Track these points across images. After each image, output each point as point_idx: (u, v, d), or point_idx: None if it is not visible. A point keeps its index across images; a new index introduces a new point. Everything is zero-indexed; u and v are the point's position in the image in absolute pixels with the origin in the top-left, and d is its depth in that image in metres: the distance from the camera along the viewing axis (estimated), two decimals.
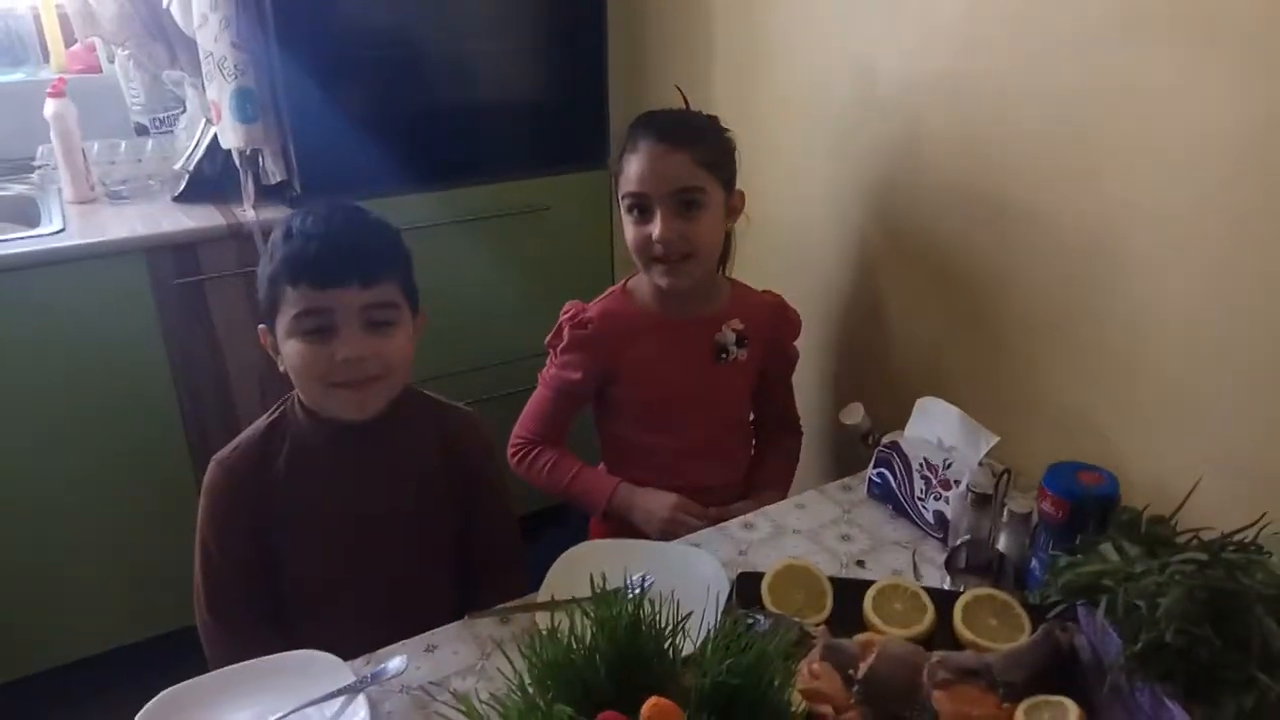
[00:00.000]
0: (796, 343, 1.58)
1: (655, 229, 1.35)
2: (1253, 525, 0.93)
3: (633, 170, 1.37)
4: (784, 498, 1.49)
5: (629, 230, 1.40)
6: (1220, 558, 0.88)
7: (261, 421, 1.22)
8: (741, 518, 1.30)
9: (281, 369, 1.19)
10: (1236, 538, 0.93)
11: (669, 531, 1.35)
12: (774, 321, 1.53)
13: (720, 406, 1.52)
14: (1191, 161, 1.12)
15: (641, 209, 1.38)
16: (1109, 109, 1.20)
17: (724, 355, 1.47)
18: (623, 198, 1.40)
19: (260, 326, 1.19)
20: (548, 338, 1.49)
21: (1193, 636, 0.82)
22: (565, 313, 1.47)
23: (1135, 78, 1.16)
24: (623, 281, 1.52)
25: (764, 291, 1.56)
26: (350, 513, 1.20)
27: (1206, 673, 0.82)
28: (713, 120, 1.44)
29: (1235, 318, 1.12)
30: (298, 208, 1.84)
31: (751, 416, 1.62)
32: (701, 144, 1.37)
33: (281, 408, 1.22)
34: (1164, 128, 1.14)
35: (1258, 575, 0.86)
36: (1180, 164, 1.13)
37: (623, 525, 1.44)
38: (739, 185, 1.44)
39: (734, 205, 1.44)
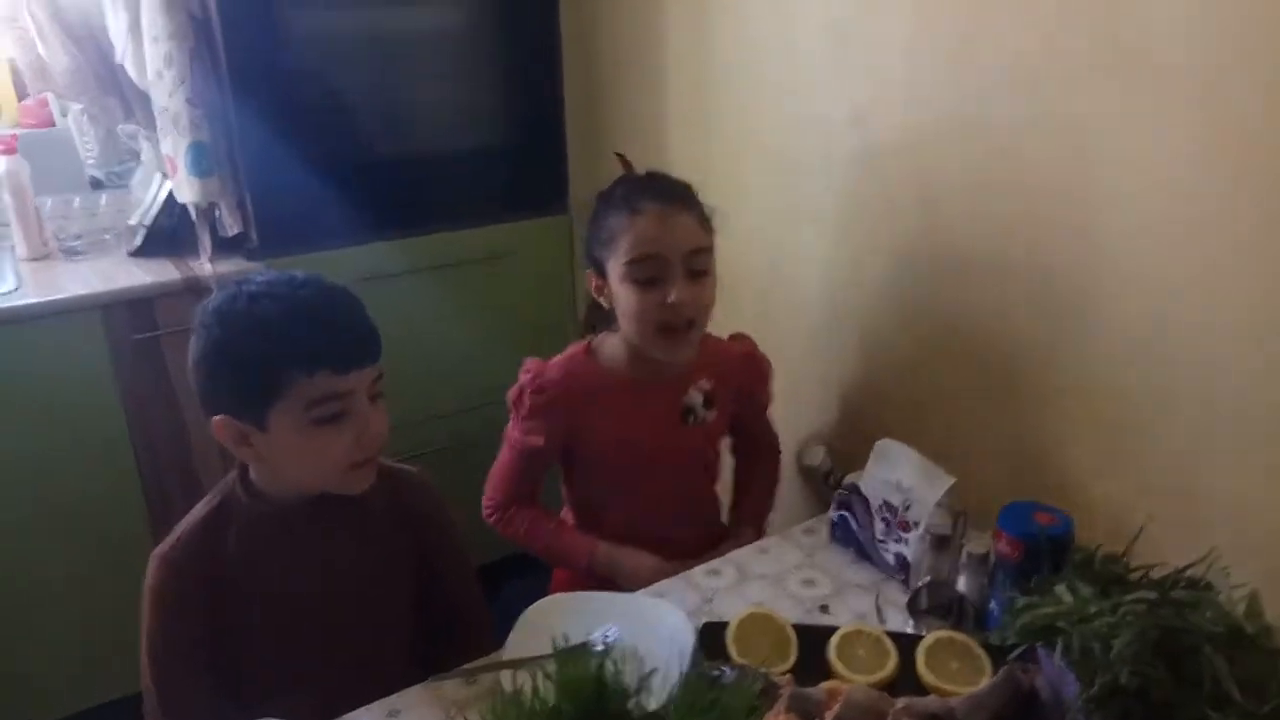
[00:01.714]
0: (771, 387, 1.56)
1: (673, 294, 1.30)
2: (1201, 560, 0.96)
3: (640, 233, 1.30)
4: (761, 533, 1.52)
5: (632, 299, 1.32)
6: (1168, 598, 0.90)
7: (199, 510, 1.17)
8: (706, 565, 1.30)
9: (248, 458, 1.14)
10: (1187, 574, 0.95)
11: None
12: (744, 371, 1.51)
13: (687, 467, 1.50)
14: (1138, 191, 1.16)
15: (652, 275, 1.31)
16: (1048, 142, 1.24)
17: (691, 418, 1.45)
18: (626, 263, 1.31)
19: (219, 418, 1.09)
20: (510, 395, 1.44)
21: (1146, 677, 0.84)
22: (525, 373, 1.43)
23: (1071, 110, 1.20)
24: (585, 341, 1.47)
25: (732, 338, 1.54)
26: (305, 587, 1.18)
27: (1161, 712, 0.84)
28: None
29: (1182, 352, 1.15)
30: (255, 261, 1.87)
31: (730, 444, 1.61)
32: (698, 204, 1.36)
33: (221, 494, 1.18)
34: (1104, 159, 1.18)
35: (1207, 613, 0.88)
36: (1128, 194, 1.17)
37: (588, 575, 1.43)
38: None
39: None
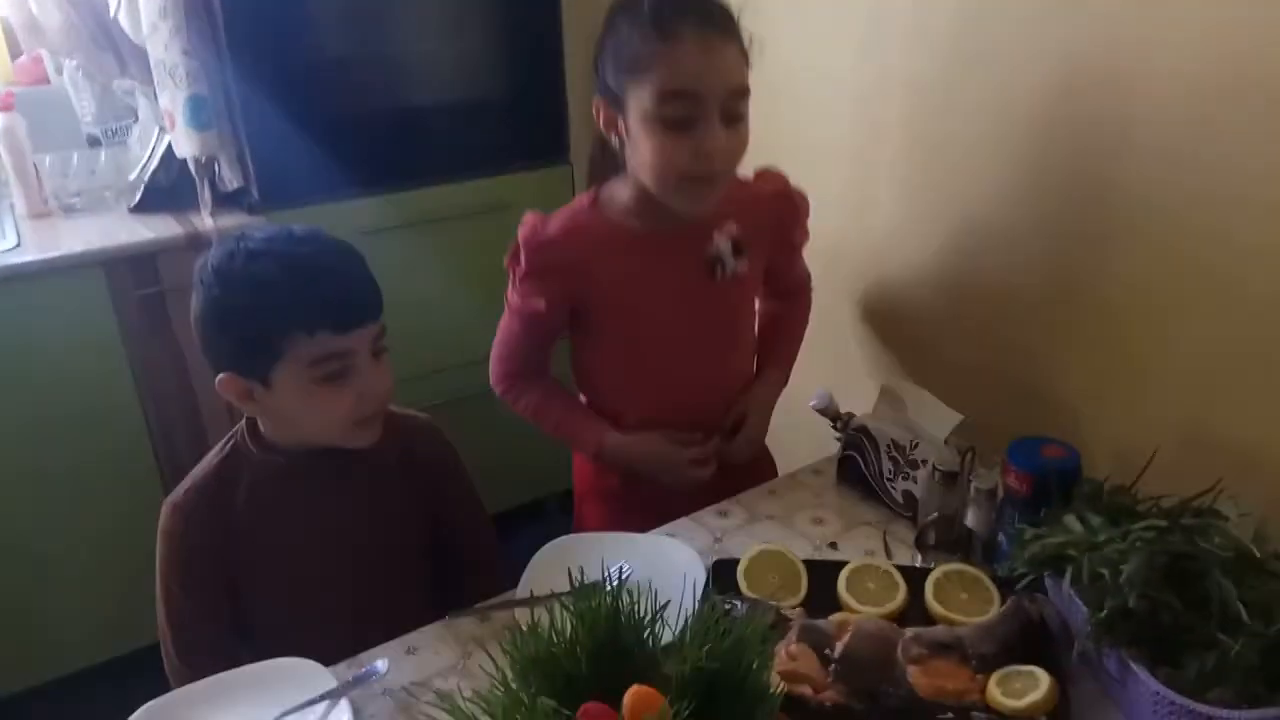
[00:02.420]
0: (808, 222, 1.37)
1: (707, 140, 1.11)
2: (1209, 491, 0.97)
3: (679, 64, 1.09)
4: (785, 379, 1.41)
5: (657, 143, 1.13)
6: (1179, 524, 0.91)
7: (212, 458, 1.18)
8: (716, 506, 1.31)
9: (253, 413, 1.15)
10: (1194, 504, 0.96)
11: (696, 479, 1.30)
12: (776, 211, 1.32)
13: (720, 332, 1.32)
14: (1142, 143, 1.15)
15: (686, 115, 1.11)
16: (1062, 96, 1.23)
17: (719, 270, 1.26)
18: (657, 99, 1.11)
19: (223, 376, 1.10)
20: (507, 254, 1.28)
21: (1155, 601, 0.85)
22: (522, 228, 1.25)
23: (1076, 60, 1.19)
24: (592, 191, 1.29)
25: (758, 175, 1.33)
26: (317, 535, 1.19)
27: (1169, 636, 0.85)
28: None
29: (1188, 289, 1.15)
30: (255, 215, 1.86)
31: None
32: (740, 35, 1.15)
33: (231, 441, 1.19)
34: (1118, 100, 1.17)
35: (1215, 539, 0.89)
36: (1132, 146, 1.16)
37: (605, 514, 1.40)
38: None
39: None
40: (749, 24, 1.15)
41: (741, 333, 1.37)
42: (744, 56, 1.15)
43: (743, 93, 1.15)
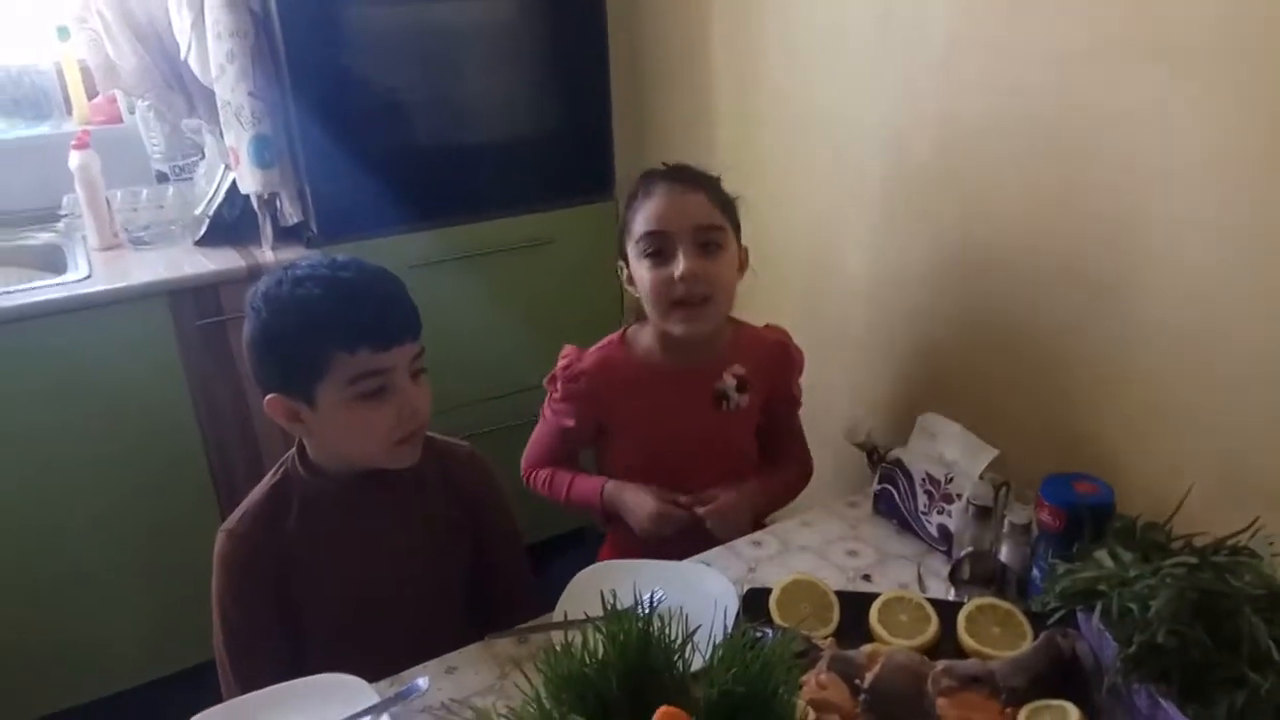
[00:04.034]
0: (801, 380, 1.54)
1: (678, 268, 1.33)
2: (1246, 530, 0.97)
3: (649, 212, 1.36)
4: (765, 492, 1.47)
5: (645, 276, 1.37)
6: (1210, 561, 0.91)
7: (265, 484, 1.23)
8: (750, 536, 1.33)
9: (300, 434, 1.20)
10: (1229, 543, 0.96)
11: (649, 534, 1.37)
12: (776, 361, 1.50)
13: (723, 454, 1.48)
14: (1175, 177, 1.16)
15: (660, 250, 1.35)
16: (1089, 132, 1.25)
17: (725, 403, 1.45)
18: (637, 242, 1.37)
19: (271, 397, 1.16)
20: (547, 377, 1.49)
21: (1184, 637, 0.85)
22: (561, 358, 1.47)
23: (1111, 101, 1.21)
24: (621, 330, 1.51)
25: (766, 327, 1.54)
26: (367, 559, 1.23)
27: (1199, 672, 0.85)
28: (718, 178, 1.44)
29: (1223, 327, 1.15)
30: (314, 248, 1.94)
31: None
32: (714, 187, 1.40)
33: (283, 468, 1.24)
34: (1144, 148, 1.18)
35: (1246, 577, 0.89)
36: (1166, 180, 1.17)
37: (631, 548, 1.45)
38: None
39: (742, 259, 1.44)
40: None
41: (741, 456, 1.53)
42: (715, 203, 1.37)
43: (711, 228, 1.36)
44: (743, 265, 1.44)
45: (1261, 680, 0.82)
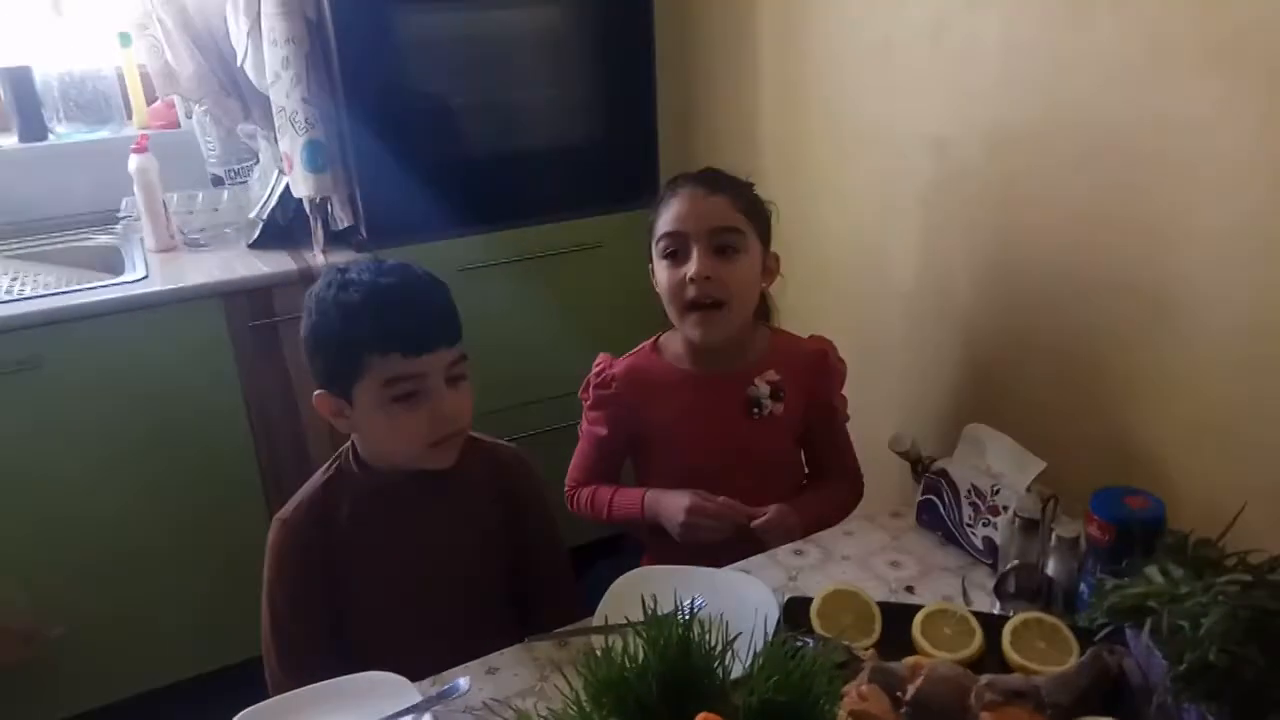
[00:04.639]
0: (844, 392, 1.51)
1: (690, 268, 1.33)
2: None
3: (670, 213, 1.37)
4: (800, 519, 1.37)
5: (662, 276, 1.39)
6: (1265, 579, 0.89)
7: (319, 477, 1.26)
8: (791, 545, 1.32)
9: (346, 430, 1.23)
10: None
11: (687, 536, 1.35)
12: (814, 370, 1.46)
13: (759, 463, 1.45)
14: (1231, 188, 1.14)
15: (676, 251, 1.36)
16: (1143, 141, 1.23)
17: (756, 410, 1.43)
18: (657, 242, 1.39)
19: (318, 393, 1.20)
20: (580, 389, 1.50)
21: (1236, 656, 0.84)
22: (595, 366, 1.48)
23: (1167, 110, 1.19)
24: (654, 337, 1.50)
25: (809, 338, 1.51)
26: (413, 557, 1.25)
27: (1252, 693, 0.83)
28: (750, 184, 1.44)
29: (1272, 349, 1.12)
30: (364, 252, 1.97)
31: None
32: (740, 192, 1.39)
33: (336, 463, 1.26)
34: (1200, 158, 1.16)
35: None
36: (1220, 190, 1.15)
37: (673, 555, 1.44)
38: (774, 249, 1.45)
39: (770, 266, 1.43)
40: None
41: (775, 465, 1.50)
42: (738, 207, 1.36)
43: (728, 230, 1.35)
44: (770, 272, 1.44)
45: None
